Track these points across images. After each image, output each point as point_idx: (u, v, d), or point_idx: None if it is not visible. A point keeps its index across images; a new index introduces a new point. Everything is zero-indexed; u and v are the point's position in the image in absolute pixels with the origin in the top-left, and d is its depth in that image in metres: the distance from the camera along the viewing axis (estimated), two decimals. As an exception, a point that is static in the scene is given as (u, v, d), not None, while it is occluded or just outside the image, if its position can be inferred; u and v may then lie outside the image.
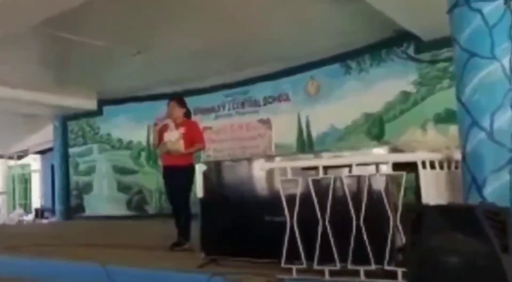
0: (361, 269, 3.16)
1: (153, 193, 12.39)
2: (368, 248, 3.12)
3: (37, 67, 10.74)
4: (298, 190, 3.40)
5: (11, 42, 8.39)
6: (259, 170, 3.94)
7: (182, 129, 5.48)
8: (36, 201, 17.52)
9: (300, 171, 3.50)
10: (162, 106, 11.22)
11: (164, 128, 5.57)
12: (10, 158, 17.95)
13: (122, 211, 12.74)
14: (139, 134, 12.60)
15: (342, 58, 9.60)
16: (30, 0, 6.40)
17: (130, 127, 12.79)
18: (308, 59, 9.84)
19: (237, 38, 8.82)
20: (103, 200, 13.23)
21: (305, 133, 10.10)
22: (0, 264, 5.11)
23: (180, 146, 5.39)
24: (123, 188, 12.93)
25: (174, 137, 5.44)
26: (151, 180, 12.30)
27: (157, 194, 12.19)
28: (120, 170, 13.04)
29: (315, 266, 3.24)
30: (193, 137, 5.51)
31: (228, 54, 9.66)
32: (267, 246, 3.66)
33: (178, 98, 5.91)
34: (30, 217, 15.84)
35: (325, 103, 9.75)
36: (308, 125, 10.06)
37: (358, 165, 3.28)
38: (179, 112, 5.63)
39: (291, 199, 3.42)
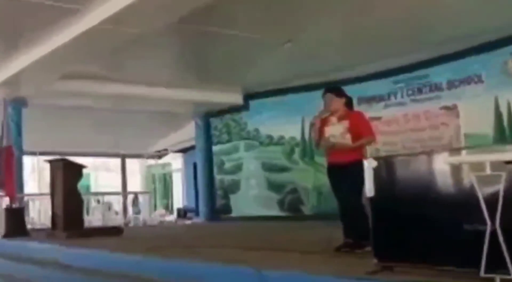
0: None
1: (309, 192, 12.62)
2: None
3: (179, 64, 11.57)
4: (501, 188, 3.22)
5: (152, 39, 9.13)
6: (445, 164, 3.78)
7: (345, 123, 5.49)
8: (178, 201, 18.83)
9: (502, 165, 3.30)
10: (316, 98, 11.49)
11: (324, 122, 5.60)
12: (150, 157, 19.55)
13: (273, 211, 13.16)
14: (292, 129, 12.94)
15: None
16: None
17: (281, 122, 13.16)
18: (504, 33, 9.34)
19: (408, 15, 8.67)
20: (251, 200, 13.80)
21: (505, 121, 9.66)
22: (145, 264, 5.50)
23: (347, 139, 5.42)
24: (274, 187, 13.35)
25: (337, 131, 5.48)
26: (307, 178, 12.56)
27: (314, 193, 12.40)
28: (271, 168, 13.47)
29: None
30: (359, 130, 5.50)
31: (396, 35, 9.56)
32: (456, 252, 3.53)
33: (334, 87, 5.94)
34: (172, 217, 17.12)
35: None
36: (509, 112, 9.60)
37: None
38: (338, 103, 5.64)
39: (490, 198, 3.27)
